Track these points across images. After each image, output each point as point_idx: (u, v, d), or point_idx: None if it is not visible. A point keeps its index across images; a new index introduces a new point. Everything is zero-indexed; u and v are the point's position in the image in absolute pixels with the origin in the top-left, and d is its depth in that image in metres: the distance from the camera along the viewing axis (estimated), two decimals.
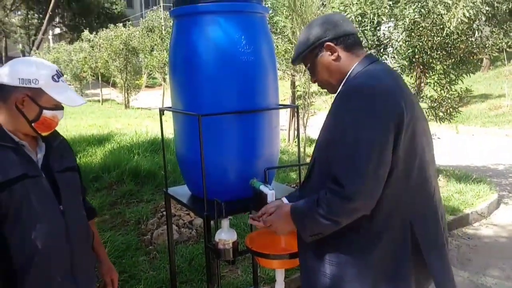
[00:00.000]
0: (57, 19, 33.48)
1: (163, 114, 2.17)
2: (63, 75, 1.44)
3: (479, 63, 12.13)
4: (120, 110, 15.59)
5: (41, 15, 31.40)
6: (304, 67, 1.54)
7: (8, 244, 1.32)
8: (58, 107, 1.41)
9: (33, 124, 1.38)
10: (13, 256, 1.33)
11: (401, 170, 1.30)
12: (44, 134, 1.43)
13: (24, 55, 31.72)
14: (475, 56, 4.92)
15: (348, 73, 1.41)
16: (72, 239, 1.44)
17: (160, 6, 18.59)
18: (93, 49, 17.61)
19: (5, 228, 1.31)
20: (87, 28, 19.67)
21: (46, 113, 1.38)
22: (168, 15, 14.29)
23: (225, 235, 1.73)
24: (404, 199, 1.33)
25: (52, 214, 1.40)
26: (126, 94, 17.02)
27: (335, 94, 1.43)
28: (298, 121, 2.36)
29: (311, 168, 1.47)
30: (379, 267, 1.33)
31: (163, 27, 15.35)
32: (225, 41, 1.80)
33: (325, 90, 1.58)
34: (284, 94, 8.04)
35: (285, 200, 1.62)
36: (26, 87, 1.34)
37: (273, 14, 5.68)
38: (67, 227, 1.42)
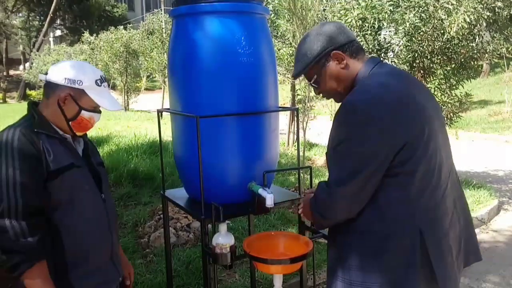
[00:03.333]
0: (58, 21, 33.55)
1: (162, 115, 2.15)
2: (106, 81, 1.54)
3: (479, 69, 12.14)
4: (120, 113, 15.55)
5: (42, 17, 31.46)
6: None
7: (59, 234, 1.40)
8: (96, 110, 1.52)
9: (70, 123, 1.48)
10: (64, 241, 1.41)
11: (411, 178, 1.30)
12: (78, 134, 1.53)
13: (24, 57, 31.76)
14: (475, 62, 4.91)
15: (354, 79, 1.41)
16: (111, 226, 1.57)
17: (161, 9, 18.59)
18: (93, 52, 17.62)
19: (57, 215, 1.40)
20: (87, 30, 19.69)
21: (84, 113, 1.48)
22: (169, 18, 14.31)
23: (223, 239, 1.71)
24: (413, 204, 1.32)
25: (97, 201, 1.52)
26: (126, 96, 17.01)
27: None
28: (298, 123, 2.34)
29: None
30: (388, 273, 1.31)
31: (163, 30, 15.35)
32: (224, 41, 1.77)
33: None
34: (284, 98, 8.03)
35: None
36: (70, 87, 1.45)
37: (275, 17, 5.68)
38: (108, 214, 1.55)
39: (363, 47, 4.74)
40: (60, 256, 1.40)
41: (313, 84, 1.49)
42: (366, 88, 1.34)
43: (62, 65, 1.49)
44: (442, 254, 1.35)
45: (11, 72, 29.60)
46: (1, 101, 23.20)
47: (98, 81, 1.48)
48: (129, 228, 3.76)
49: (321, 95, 1.55)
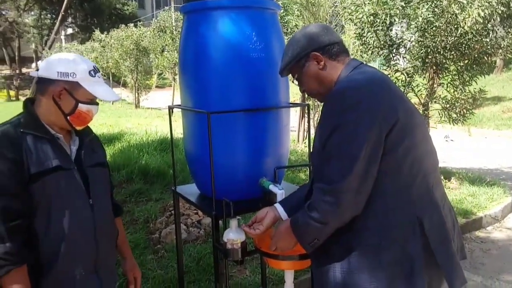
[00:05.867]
0: (69, 19, 33.89)
1: (173, 112, 2.15)
2: (99, 71, 1.48)
3: (493, 64, 11.93)
4: (131, 110, 15.68)
5: (53, 15, 31.80)
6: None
7: (37, 235, 1.35)
8: (93, 102, 1.46)
9: (68, 118, 1.42)
10: (40, 247, 1.35)
11: (399, 167, 1.29)
12: (78, 128, 1.47)
13: (36, 55, 32.12)
14: (489, 57, 4.83)
15: (335, 81, 1.43)
16: (98, 234, 1.47)
17: (171, 7, 18.64)
18: (104, 49, 17.75)
19: (35, 219, 1.35)
20: (98, 28, 19.83)
21: (82, 107, 1.42)
22: (179, 16, 14.33)
23: (234, 235, 1.70)
24: (407, 195, 1.31)
25: (82, 207, 1.43)
26: (136, 94, 17.12)
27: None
28: (309, 119, 2.33)
29: (312, 175, 1.49)
30: (393, 268, 1.30)
31: (174, 28, 15.40)
32: (235, 37, 1.77)
33: None
34: (294, 95, 8.00)
35: (278, 207, 1.61)
36: (64, 80, 1.39)
37: (284, 13, 5.65)
38: (95, 221, 1.46)
39: (374, 42, 4.71)
40: (35, 261, 1.35)
41: (296, 83, 1.54)
42: (350, 78, 1.38)
43: (53, 59, 1.44)
44: (443, 242, 1.34)
45: (24, 70, 29.96)
46: (14, 98, 23.52)
47: (92, 72, 1.42)
48: (140, 224, 3.78)
49: (305, 93, 1.57)
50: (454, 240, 1.40)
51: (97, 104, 1.48)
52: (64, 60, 1.42)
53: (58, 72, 1.38)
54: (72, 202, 1.40)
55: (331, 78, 1.43)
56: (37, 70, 1.43)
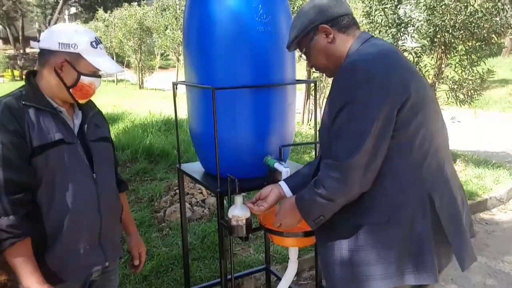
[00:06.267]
0: None
1: (177, 88, 2.12)
2: (101, 43, 1.45)
3: (502, 45, 11.73)
4: (135, 91, 15.63)
5: None
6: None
7: (41, 209, 1.35)
8: (96, 74, 1.43)
9: (71, 90, 1.40)
10: (44, 220, 1.35)
11: (410, 143, 1.27)
12: (81, 101, 1.45)
13: (40, 35, 31.91)
14: (498, 37, 4.74)
15: (345, 54, 1.39)
16: (102, 208, 1.47)
17: None
18: (108, 29, 17.59)
19: (39, 193, 1.34)
20: (102, 8, 19.61)
21: (84, 79, 1.39)
22: None
23: (239, 212, 1.70)
24: (418, 173, 1.29)
25: (85, 180, 1.42)
26: (140, 74, 17.03)
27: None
28: (316, 96, 2.29)
29: (320, 153, 1.47)
30: (402, 246, 1.28)
31: (177, 6, 15.19)
32: (241, 9, 1.71)
33: None
34: (300, 76, 7.93)
35: (283, 184, 1.60)
36: (65, 52, 1.36)
37: None
38: (98, 195, 1.45)
39: (382, 21, 4.61)
40: (39, 235, 1.34)
41: (304, 57, 1.50)
42: (360, 52, 1.34)
43: (54, 30, 1.40)
44: (454, 219, 1.32)
45: (28, 50, 29.82)
46: (18, 78, 23.49)
47: (94, 43, 1.39)
48: (145, 202, 3.80)
49: (314, 68, 1.54)
50: (463, 218, 1.38)
51: (99, 76, 1.45)
52: (66, 30, 1.39)
53: (59, 43, 1.35)
54: (76, 176, 1.39)
55: (341, 51, 1.39)
56: (38, 41, 1.40)
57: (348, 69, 1.30)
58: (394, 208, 1.29)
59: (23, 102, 1.34)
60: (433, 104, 1.35)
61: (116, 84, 18.51)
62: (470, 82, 4.80)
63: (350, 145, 1.24)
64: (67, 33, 1.37)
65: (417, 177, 1.29)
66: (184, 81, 2.00)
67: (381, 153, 1.25)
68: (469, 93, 4.86)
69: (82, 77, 1.39)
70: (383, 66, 1.27)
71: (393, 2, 4.47)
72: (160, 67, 20.07)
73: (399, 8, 4.66)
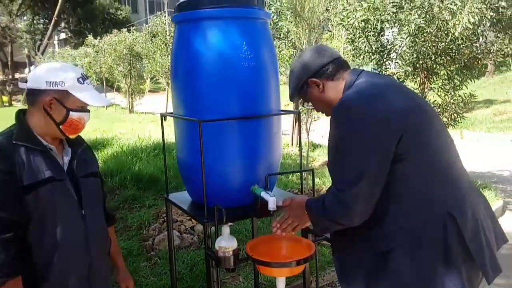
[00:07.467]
0: (62, 24, 33.78)
1: (165, 119, 2.16)
2: (88, 78, 1.48)
3: (483, 69, 12.06)
4: (124, 115, 15.64)
5: (46, 20, 31.70)
6: None
7: (30, 248, 1.35)
8: (84, 109, 1.46)
9: (61, 127, 1.43)
10: (34, 257, 1.36)
11: (416, 168, 1.32)
12: (71, 136, 1.48)
13: (29, 60, 31.98)
14: (479, 62, 4.89)
15: (339, 97, 1.46)
16: (91, 244, 1.47)
17: (164, 12, 18.63)
18: (97, 54, 17.69)
19: (28, 231, 1.35)
20: (91, 33, 19.77)
21: (73, 115, 1.43)
22: (172, 21, 14.33)
23: (225, 243, 1.71)
24: (432, 191, 1.34)
25: (74, 218, 1.44)
26: (130, 98, 17.07)
27: None
28: (300, 127, 2.35)
29: None
30: (424, 269, 1.30)
31: (167, 32, 15.40)
32: (226, 46, 1.78)
33: None
34: (287, 99, 8.06)
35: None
36: (53, 90, 1.39)
37: (277, 19, 5.68)
38: (87, 232, 1.46)
39: (366, 48, 4.75)
40: (29, 272, 1.36)
41: (307, 106, 1.63)
42: (354, 89, 1.42)
43: (41, 69, 1.44)
44: (475, 233, 1.33)
45: (17, 75, 29.80)
46: (7, 104, 23.36)
47: (80, 79, 1.43)
48: (133, 230, 3.77)
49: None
50: (486, 229, 1.39)
51: (88, 111, 1.48)
52: (52, 69, 1.43)
53: (47, 82, 1.39)
54: (65, 213, 1.40)
55: (335, 96, 1.48)
56: (26, 81, 1.43)
57: (341, 106, 1.37)
58: (414, 229, 1.32)
59: (14, 142, 1.36)
60: (434, 122, 1.41)
61: (106, 108, 18.48)
62: (453, 105, 4.92)
63: (350, 177, 1.32)
64: (53, 71, 1.41)
65: (431, 197, 1.33)
66: (172, 113, 2.04)
67: (381, 182, 1.31)
68: (453, 117, 4.97)
69: (71, 113, 1.42)
70: (375, 101, 1.33)
71: (376, 30, 4.60)
72: (150, 90, 20.16)
73: (382, 35, 4.81)
